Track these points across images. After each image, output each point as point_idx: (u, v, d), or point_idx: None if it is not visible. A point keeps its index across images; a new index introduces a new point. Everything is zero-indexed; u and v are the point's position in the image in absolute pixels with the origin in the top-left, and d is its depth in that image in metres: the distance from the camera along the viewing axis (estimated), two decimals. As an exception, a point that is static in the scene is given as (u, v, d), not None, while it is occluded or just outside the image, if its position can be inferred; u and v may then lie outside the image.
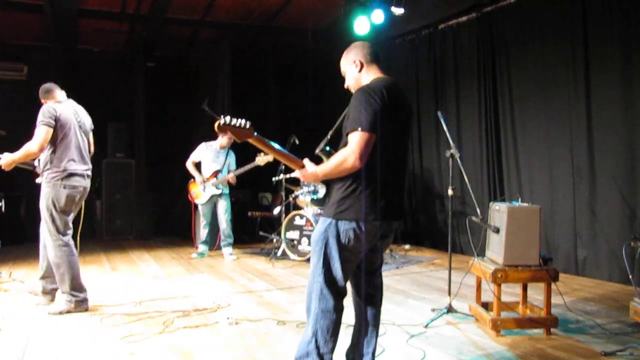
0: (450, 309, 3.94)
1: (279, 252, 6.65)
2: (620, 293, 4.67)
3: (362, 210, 2.35)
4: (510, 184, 6.26)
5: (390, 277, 5.41)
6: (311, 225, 6.26)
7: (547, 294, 3.51)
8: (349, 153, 2.29)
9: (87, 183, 4.16)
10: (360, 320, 2.61)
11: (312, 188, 6.51)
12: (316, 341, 2.39)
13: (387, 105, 2.33)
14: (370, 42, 2.69)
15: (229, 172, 6.67)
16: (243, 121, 2.33)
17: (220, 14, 8.04)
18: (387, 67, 2.60)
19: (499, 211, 3.66)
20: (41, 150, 3.95)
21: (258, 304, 4.34)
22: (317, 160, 2.53)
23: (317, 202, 6.65)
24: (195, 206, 6.98)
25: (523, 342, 3.36)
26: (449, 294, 4.01)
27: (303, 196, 6.62)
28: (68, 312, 3.95)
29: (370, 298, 2.61)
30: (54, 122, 3.95)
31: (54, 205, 3.96)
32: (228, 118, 2.31)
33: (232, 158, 6.84)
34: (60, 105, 4.07)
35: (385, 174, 2.39)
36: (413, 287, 4.99)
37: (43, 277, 4.24)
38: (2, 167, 4.07)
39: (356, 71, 2.56)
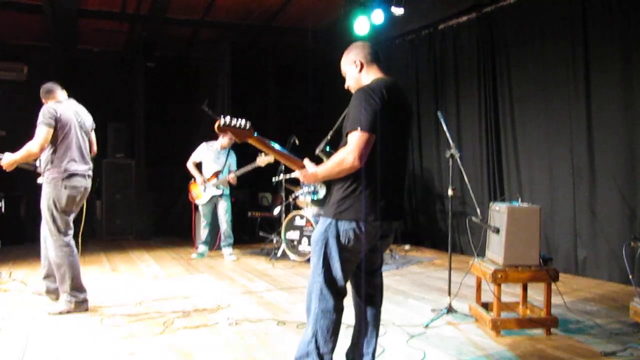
0: (450, 309, 3.94)
1: (279, 253, 6.65)
2: (620, 293, 4.67)
3: (362, 211, 2.35)
4: (510, 184, 6.26)
5: (390, 277, 5.41)
6: (311, 225, 6.26)
7: (547, 294, 3.51)
8: (348, 153, 2.29)
9: (88, 183, 4.16)
10: (360, 320, 2.61)
11: (312, 188, 6.51)
12: (316, 341, 2.39)
13: (387, 105, 2.33)
14: (370, 42, 2.69)
15: (229, 172, 6.67)
16: (243, 121, 2.33)
17: (220, 14, 8.04)
18: (387, 67, 2.60)
19: (499, 211, 3.66)
20: (42, 150, 3.96)
21: (258, 304, 4.34)
22: (317, 161, 2.53)
23: (317, 202, 6.65)
24: (196, 206, 6.98)
25: (523, 343, 3.36)
26: (449, 294, 4.01)
27: (303, 196, 6.62)
28: (68, 312, 3.95)
29: (371, 298, 2.61)
30: (54, 122, 3.96)
31: (55, 206, 3.97)
32: (228, 118, 2.31)
33: (232, 158, 6.84)
34: (60, 106, 4.08)
35: (385, 174, 2.39)
36: (413, 287, 4.99)
37: (46, 277, 4.25)
38: (4, 167, 4.07)
39: (356, 71, 2.56)
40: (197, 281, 5.31)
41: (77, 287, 4.01)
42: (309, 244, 6.10)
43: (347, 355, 2.67)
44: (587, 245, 5.37)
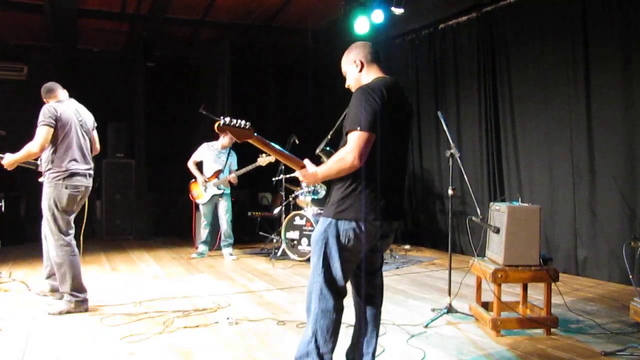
0: (450, 309, 3.94)
1: (279, 252, 6.65)
2: (620, 293, 4.67)
3: (362, 210, 2.35)
4: (510, 184, 6.26)
5: (390, 277, 5.41)
6: (311, 225, 6.26)
7: (547, 294, 3.51)
8: (348, 152, 2.28)
9: (89, 182, 4.17)
10: (361, 320, 2.61)
11: (312, 188, 6.51)
12: (316, 341, 2.39)
13: (387, 104, 2.33)
14: (370, 42, 2.69)
15: (230, 172, 6.68)
16: (243, 122, 2.33)
17: (220, 14, 8.05)
18: (387, 67, 2.60)
19: (499, 211, 3.66)
20: (42, 150, 3.96)
21: (258, 304, 4.34)
22: (318, 161, 2.53)
23: (317, 202, 6.65)
24: (196, 206, 6.99)
25: (523, 342, 3.36)
26: (449, 294, 4.01)
27: (303, 196, 6.63)
28: (68, 312, 3.95)
29: (371, 298, 2.61)
30: (54, 122, 3.96)
31: (56, 205, 3.97)
32: (228, 119, 2.31)
33: (233, 158, 6.84)
34: (61, 105, 4.08)
35: (385, 173, 2.39)
36: (413, 287, 4.99)
37: (49, 276, 4.25)
38: (5, 167, 4.08)
39: (357, 71, 2.56)
40: (197, 281, 5.31)
41: (77, 287, 4.01)
42: (309, 243, 6.10)
43: (347, 355, 2.67)
44: (587, 245, 5.37)
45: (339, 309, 2.43)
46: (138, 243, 8.19)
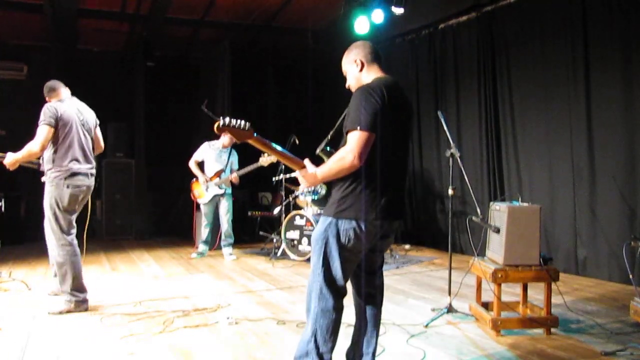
0: (450, 309, 3.94)
1: (279, 252, 6.65)
2: (620, 293, 4.67)
3: (362, 210, 2.35)
4: (510, 184, 6.26)
5: (390, 277, 5.41)
6: (311, 225, 6.26)
7: (547, 293, 3.52)
8: (348, 152, 2.28)
9: (90, 182, 4.16)
10: (361, 319, 2.61)
11: (312, 188, 6.51)
12: (315, 340, 2.39)
13: (387, 104, 2.33)
14: (371, 41, 2.69)
15: (231, 171, 6.68)
16: (243, 122, 2.33)
17: (220, 14, 8.05)
18: (387, 67, 2.60)
19: (499, 211, 3.66)
20: (43, 149, 3.96)
21: (258, 304, 4.34)
22: (318, 161, 2.53)
23: (317, 202, 6.65)
24: (197, 206, 6.98)
25: (523, 342, 3.36)
26: (449, 293, 4.01)
27: (303, 196, 6.63)
28: (68, 312, 3.95)
29: (371, 298, 2.61)
30: (55, 122, 3.96)
31: (58, 205, 3.97)
32: (227, 119, 2.31)
33: (234, 157, 6.84)
34: (62, 104, 4.08)
35: (385, 173, 2.39)
36: (413, 287, 4.99)
37: (56, 275, 4.24)
38: (6, 166, 4.08)
39: (357, 71, 2.56)
40: (197, 281, 5.31)
41: (78, 286, 4.01)
42: (309, 243, 6.10)
43: (347, 354, 2.67)
44: (587, 245, 5.37)
45: (338, 309, 2.43)
46: (138, 243, 8.19)
